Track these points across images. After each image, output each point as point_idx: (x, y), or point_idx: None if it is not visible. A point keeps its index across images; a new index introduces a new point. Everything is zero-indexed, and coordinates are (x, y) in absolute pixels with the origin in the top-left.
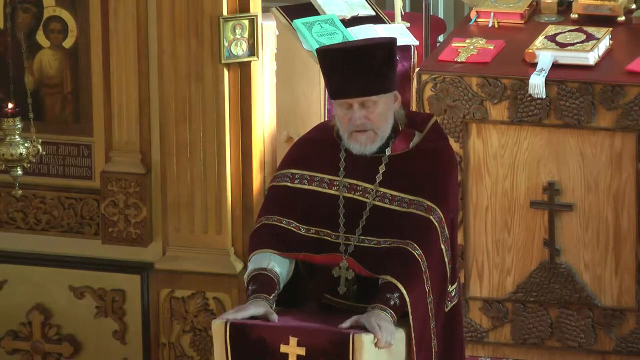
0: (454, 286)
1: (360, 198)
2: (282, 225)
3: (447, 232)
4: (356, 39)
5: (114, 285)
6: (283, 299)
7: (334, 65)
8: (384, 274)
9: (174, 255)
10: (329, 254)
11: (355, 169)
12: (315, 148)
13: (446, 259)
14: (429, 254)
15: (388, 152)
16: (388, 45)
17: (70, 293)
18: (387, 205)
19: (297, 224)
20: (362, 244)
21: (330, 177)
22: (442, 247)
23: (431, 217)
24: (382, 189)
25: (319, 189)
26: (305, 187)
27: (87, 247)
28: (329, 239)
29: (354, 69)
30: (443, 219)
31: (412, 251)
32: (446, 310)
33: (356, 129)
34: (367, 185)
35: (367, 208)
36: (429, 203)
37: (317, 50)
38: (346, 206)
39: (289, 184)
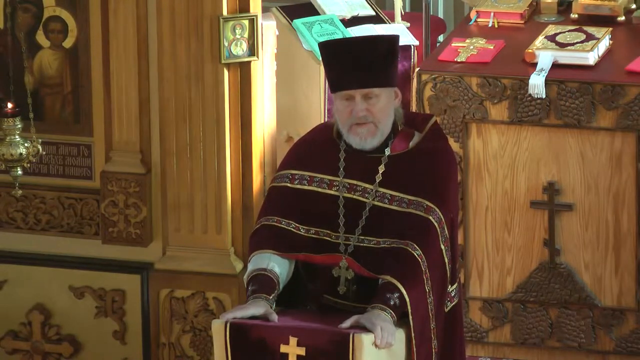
0: (454, 286)
1: (360, 198)
2: (282, 226)
3: (447, 232)
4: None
5: (114, 285)
6: (283, 299)
7: (337, 56)
8: (384, 274)
9: (174, 255)
10: (329, 254)
11: (355, 169)
12: (315, 148)
13: (446, 259)
14: (428, 254)
15: (387, 152)
16: (391, 40)
17: (70, 293)
18: (386, 206)
19: (297, 225)
20: (361, 244)
21: (330, 177)
22: (442, 247)
23: (430, 218)
24: (381, 189)
25: (319, 190)
26: (305, 187)
27: (87, 247)
28: (329, 239)
29: (357, 60)
30: (443, 219)
31: (412, 251)
32: (446, 310)
33: (357, 122)
34: (366, 185)
35: (367, 208)
36: (428, 203)
37: (320, 44)
38: (346, 206)
39: (288, 185)
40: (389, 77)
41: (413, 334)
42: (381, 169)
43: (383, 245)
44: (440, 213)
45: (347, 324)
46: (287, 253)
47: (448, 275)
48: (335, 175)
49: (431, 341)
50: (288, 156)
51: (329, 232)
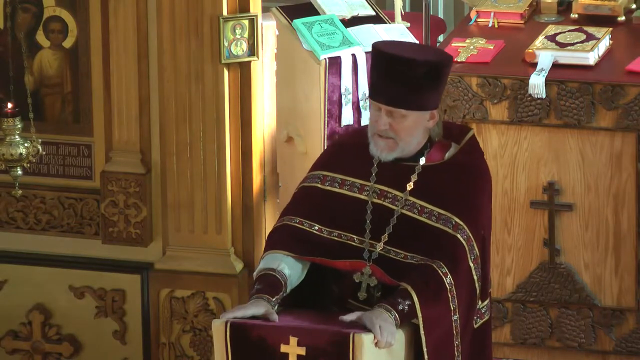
0: (485, 303)
1: (389, 205)
2: (304, 227)
3: (476, 249)
4: (414, 42)
5: (114, 285)
6: (307, 301)
7: (379, 64)
8: (405, 282)
9: (174, 255)
10: (351, 260)
11: (388, 175)
12: (349, 152)
13: (475, 277)
14: (455, 272)
15: (422, 161)
16: (437, 64)
17: (70, 293)
18: (415, 216)
19: (320, 227)
20: (388, 254)
21: (361, 181)
22: (471, 264)
23: (458, 235)
24: (411, 198)
25: (349, 193)
26: (336, 190)
27: (87, 247)
28: (352, 243)
29: (392, 76)
30: (471, 237)
31: (438, 269)
32: (475, 326)
33: (378, 133)
34: (397, 193)
35: (395, 216)
36: (457, 220)
37: (372, 45)
38: (374, 212)
39: (319, 185)
40: (422, 101)
41: (425, 349)
42: (414, 178)
43: (410, 261)
44: (468, 230)
45: (349, 317)
46: (302, 255)
47: (477, 292)
48: (367, 180)
49: (455, 358)
50: (322, 157)
51: (353, 236)
